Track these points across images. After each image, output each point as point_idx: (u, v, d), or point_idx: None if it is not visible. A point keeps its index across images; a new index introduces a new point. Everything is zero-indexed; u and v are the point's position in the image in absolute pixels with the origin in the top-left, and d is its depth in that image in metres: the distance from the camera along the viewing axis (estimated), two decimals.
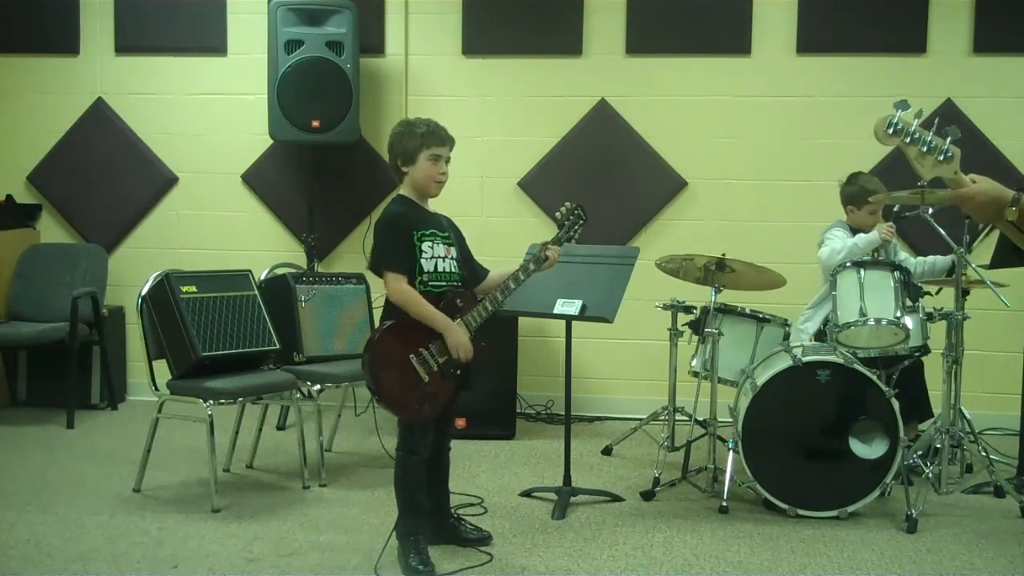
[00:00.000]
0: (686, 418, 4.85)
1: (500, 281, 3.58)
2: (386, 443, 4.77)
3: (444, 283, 3.50)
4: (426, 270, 3.46)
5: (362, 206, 6.01)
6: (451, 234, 3.62)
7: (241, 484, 4.48)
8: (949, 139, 2.36)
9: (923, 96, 5.52)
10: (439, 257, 3.50)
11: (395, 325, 3.41)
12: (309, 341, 4.76)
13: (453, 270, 3.56)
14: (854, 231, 4.70)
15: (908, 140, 2.35)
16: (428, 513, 3.57)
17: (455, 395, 3.54)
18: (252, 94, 5.93)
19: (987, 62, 5.57)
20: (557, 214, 3.73)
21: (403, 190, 3.58)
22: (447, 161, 3.55)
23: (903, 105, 2.36)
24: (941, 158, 2.35)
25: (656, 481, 4.36)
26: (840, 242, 4.57)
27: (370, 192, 5.97)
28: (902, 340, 4.22)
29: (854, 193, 4.71)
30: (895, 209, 4.77)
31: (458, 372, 3.49)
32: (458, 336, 3.43)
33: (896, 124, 2.35)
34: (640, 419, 5.24)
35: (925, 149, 2.36)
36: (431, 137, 3.49)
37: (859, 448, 4.02)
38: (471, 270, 3.70)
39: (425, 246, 3.47)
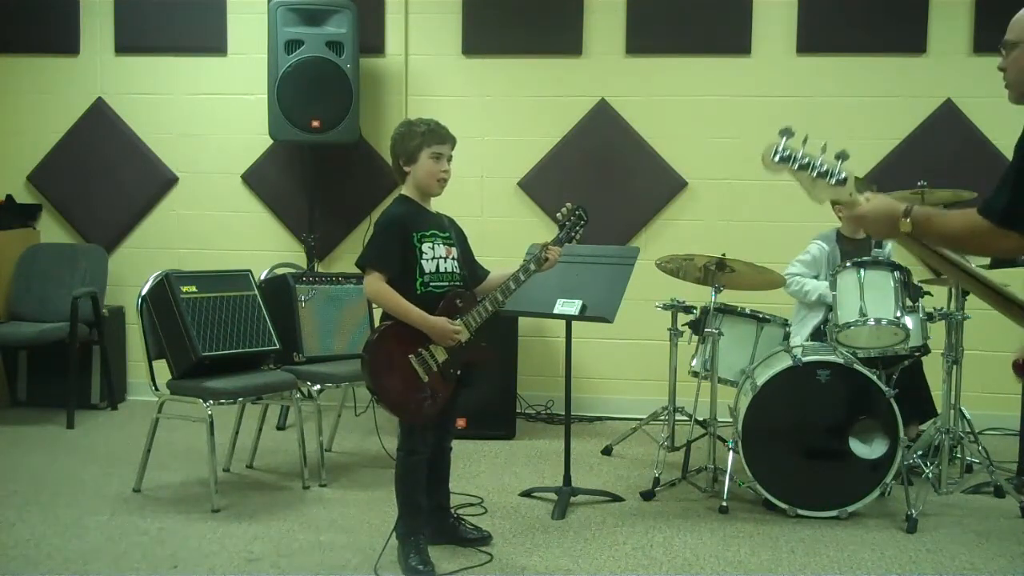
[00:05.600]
0: (686, 418, 4.85)
1: (500, 281, 3.58)
2: (386, 443, 4.76)
3: (446, 283, 3.50)
4: (427, 271, 3.46)
5: (362, 206, 6.00)
6: (452, 234, 3.61)
7: (241, 484, 4.48)
8: (841, 161, 2.23)
9: (923, 96, 5.55)
10: (440, 258, 3.50)
11: (394, 325, 3.40)
12: (309, 341, 4.76)
13: (455, 270, 3.55)
14: (841, 238, 4.82)
15: (797, 167, 2.23)
16: (428, 513, 3.56)
17: (456, 394, 3.54)
18: (252, 94, 5.93)
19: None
20: (558, 215, 3.73)
21: (405, 190, 3.58)
22: (449, 160, 3.56)
23: (788, 132, 2.23)
24: (833, 181, 2.22)
25: (656, 481, 4.36)
26: (809, 283, 4.74)
27: (370, 192, 5.97)
28: (902, 340, 4.21)
29: None
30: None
31: (458, 372, 3.49)
32: (436, 326, 3.39)
33: (784, 152, 2.24)
34: (640, 419, 5.25)
35: (815, 175, 2.25)
36: (432, 135, 3.50)
37: (859, 448, 4.02)
38: (471, 270, 3.70)
39: (426, 247, 3.47)
